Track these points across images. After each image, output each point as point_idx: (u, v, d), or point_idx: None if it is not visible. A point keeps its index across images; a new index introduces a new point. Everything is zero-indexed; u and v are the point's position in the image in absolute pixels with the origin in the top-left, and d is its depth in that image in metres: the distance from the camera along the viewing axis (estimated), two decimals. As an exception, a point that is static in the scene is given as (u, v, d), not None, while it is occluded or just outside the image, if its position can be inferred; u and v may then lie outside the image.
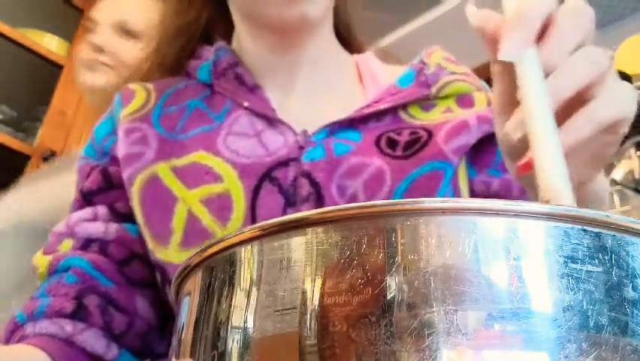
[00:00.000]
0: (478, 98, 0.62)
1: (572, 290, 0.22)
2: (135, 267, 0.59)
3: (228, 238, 0.27)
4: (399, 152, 0.56)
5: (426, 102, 0.61)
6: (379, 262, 0.23)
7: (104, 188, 0.61)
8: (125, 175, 0.59)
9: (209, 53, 0.67)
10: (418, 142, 0.57)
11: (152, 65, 0.71)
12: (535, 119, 0.31)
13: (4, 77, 1.86)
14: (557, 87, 0.32)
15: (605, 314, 0.22)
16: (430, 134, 0.58)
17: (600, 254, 0.23)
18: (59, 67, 1.79)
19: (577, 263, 0.23)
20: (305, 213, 0.25)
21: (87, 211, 0.61)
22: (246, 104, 0.61)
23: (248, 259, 0.26)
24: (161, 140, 0.60)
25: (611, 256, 0.23)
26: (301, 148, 0.57)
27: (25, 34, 1.75)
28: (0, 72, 1.85)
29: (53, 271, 0.57)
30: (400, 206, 0.24)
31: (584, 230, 0.23)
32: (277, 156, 0.57)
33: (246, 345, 0.25)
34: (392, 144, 0.57)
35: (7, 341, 0.53)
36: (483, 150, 0.60)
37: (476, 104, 0.61)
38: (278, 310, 0.24)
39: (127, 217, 0.60)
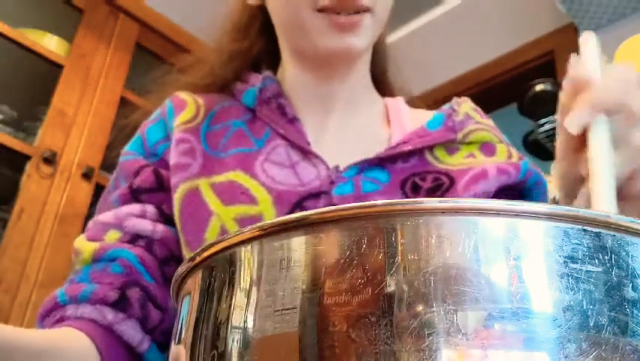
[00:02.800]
0: (499, 149, 0.66)
1: (571, 290, 0.22)
2: (172, 268, 0.62)
3: (228, 238, 0.27)
4: (420, 197, 0.60)
5: (451, 145, 0.66)
6: (379, 262, 0.23)
7: (155, 188, 0.65)
8: (172, 182, 0.63)
9: (255, 79, 0.71)
10: (439, 189, 0.61)
11: (202, 82, 0.76)
12: (595, 161, 0.37)
13: (4, 77, 1.85)
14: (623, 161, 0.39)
15: (605, 314, 0.22)
16: (452, 181, 0.61)
17: (600, 254, 0.23)
18: (59, 67, 1.78)
19: (577, 263, 0.23)
20: (305, 213, 0.25)
21: (136, 207, 0.64)
22: (282, 131, 0.65)
23: (248, 259, 0.26)
24: (205, 156, 0.64)
25: (611, 256, 0.23)
26: (332, 183, 0.61)
27: (25, 34, 1.74)
28: (0, 72, 1.84)
29: (99, 258, 0.59)
30: (400, 206, 0.24)
31: (584, 230, 0.23)
32: (310, 187, 0.60)
33: (246, 345, 0.25)
34: (415, 188, 0.61)
35: (45, 317, 0.56)
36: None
37: (497, 154, 0.65)
38: (278, 310, 0.24)
39: (170, 219, 0.63)
